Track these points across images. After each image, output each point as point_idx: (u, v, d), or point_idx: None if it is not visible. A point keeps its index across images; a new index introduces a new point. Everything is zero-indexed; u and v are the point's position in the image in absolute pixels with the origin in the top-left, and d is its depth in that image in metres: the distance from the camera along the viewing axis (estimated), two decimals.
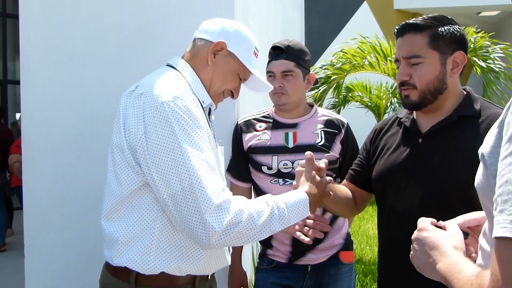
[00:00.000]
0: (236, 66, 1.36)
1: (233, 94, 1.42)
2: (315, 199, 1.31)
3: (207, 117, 1.34)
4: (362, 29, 5.51)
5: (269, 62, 1.77)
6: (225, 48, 1.33)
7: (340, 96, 5.22)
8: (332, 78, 4.39)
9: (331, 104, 5.58)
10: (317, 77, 4.41)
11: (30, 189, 2.23)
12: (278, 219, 1.19)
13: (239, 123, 1.84)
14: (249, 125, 1.81)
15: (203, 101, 1.32)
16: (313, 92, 4.32)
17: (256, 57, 1.42)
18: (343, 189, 1.53)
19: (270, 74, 1.74)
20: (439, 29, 1.28)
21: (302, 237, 1.45)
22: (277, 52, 1.73)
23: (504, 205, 0.58)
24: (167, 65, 1.37)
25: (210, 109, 1.38)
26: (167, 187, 1.15)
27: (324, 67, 4.50)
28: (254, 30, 2.80)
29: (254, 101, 2.57)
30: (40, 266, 2.26)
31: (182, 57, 1.37)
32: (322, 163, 1.37)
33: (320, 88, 4.33)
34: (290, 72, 1.71)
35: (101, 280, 1.33)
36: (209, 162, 1.17)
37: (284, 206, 1.22)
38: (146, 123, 1.18)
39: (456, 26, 1.31)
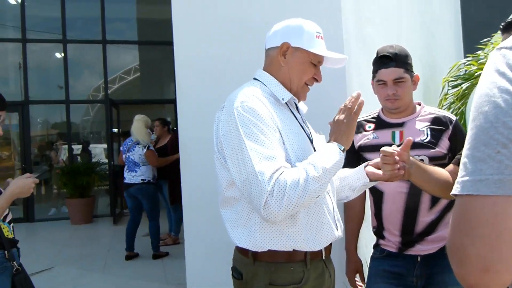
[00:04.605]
0: (306, 56, 1.49)
1: (316, 79, 1.55)
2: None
3: (292, 110, 1.54)
4: None
5: (377, 70, 1.87)
6: (289, 46, 1.48)
7: None
8: (476, 74, 4.12)
9: None
10: (459, 74, 4.20)
11: (187, 183, 2.71)
12: (313, 169, 1.30)
13: None
14: (359, 126, 1.96)
15: (282, 98, 1.49)
16: (455, 90, 4.13)
17: (321, 38, 1.53)
18: (438, 170, 1.64)
19: (381, 82, 1.85)
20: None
21: None
22: (385, 61, 1.83)
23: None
24: (254, 78, 1.58)
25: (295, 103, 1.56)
26: (238, 176, 1.35)
27: (467, 63, 4.25)
28: (371, 34, 2.93)
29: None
30: (197, 249, 2.73)
31: (263, 68, 1.58)
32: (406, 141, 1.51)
33: (462, 85, 4.10)
34: (401, 79, 1.81)
35: (233, 257, 1.59)
36: (267, 153, 1.31)
37: (312, 157, 1.35)
38: (223, 127, 1.41)
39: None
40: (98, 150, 10.06)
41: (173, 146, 5.86)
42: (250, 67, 2.50)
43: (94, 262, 5.28)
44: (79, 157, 9.00)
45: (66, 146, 8.85)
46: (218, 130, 1.45)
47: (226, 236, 2.59)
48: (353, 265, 2.04)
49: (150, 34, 9.61)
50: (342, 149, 1.37)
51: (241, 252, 1.50)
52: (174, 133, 6.34)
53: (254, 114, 1.35)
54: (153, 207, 5.34)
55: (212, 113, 2.56)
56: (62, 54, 8.60)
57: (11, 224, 1.88)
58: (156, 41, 9.20)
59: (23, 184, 1.83)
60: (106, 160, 8.67)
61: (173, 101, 8.77)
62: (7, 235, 1.81)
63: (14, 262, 1.80)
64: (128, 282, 4.52)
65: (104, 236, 6.89)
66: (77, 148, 9.35)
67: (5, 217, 1.83)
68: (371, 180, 1.61)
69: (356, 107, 1.40)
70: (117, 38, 9.05)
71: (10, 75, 8.87)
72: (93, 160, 8.84)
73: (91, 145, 9.84)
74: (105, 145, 10.08)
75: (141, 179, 5.23)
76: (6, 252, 1.77)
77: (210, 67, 2.65)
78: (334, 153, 1.35)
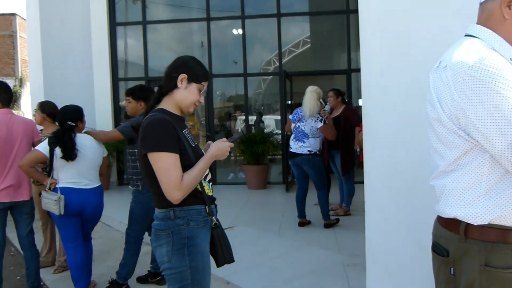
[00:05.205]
0: None
1: None
2: None
3: None
4: None
5: None
6: None
7: None
8: None
9: None
10: None
11: (371, 157, 2.64)
12: None
13: None
14: None
15: (510, 58, 1.30)
16: None
17: None
18: None
19: None
20: None
21: None
22: None
23: None
24: (465, 35, 1.40)
25: None
26: (499, 140, 1.21)
27: None
28: None
29: None
30: (379, 223, 2.66)
31: (477, 23, 1.38)
32: None
33: None
34: None
35: (434, 232, 1.48)
36: None
37: None
38: (460, 90, 1.25)
39: None
40: (270, 121, 10.57)
41: (346, 117, 5.79)
42: (444, 26, 2.28)
43: (269, 225, 5.61)
44: (252, 128, 9.58)
45: (243, 117, 9.50)
46: (439, 94, 1.33)
47: (409, 211, 2.48)
48: None
49: (322, 4, 9.56)
50: None
51: (449, 226, 1.38)
52: (348, 104, 6.25)
53: (504, 72, 1.21)
54: (320, 178, 5.38)
55: (399, 78, 2.44)
56: (240, 31, 9.15)
57: (210, 183, 2.06)
58: (329, 10, 9.13)
59: (222, 147, 1.98)
60: (279, 131, 9.06)
61: (345, 72, 8.78)
62: (208, 193, 1.99)
63: (213, 217, 1.98)
64: (302, 248, 4.68)
65: (277, 202, 7.27)
66: (251, 119, 9.95)
67: (206, 176, 2.01)
68: None
69: None
70: (290, 11, 9.22)
71: (195, 52, 9.80)
72: (265, 130, 9.31)
73: (263, 116, 10.38)
74: (276, 116, 10.54)
75: (308, 150, 5.29)
76: (206, 207, 1.95)
77: (398, 27, 2.47)
78: None
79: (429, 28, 2.35)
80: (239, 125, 9.93)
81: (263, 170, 8.36)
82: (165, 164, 1.78)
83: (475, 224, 1.29)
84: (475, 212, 1.29)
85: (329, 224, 5.41)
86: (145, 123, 1.84)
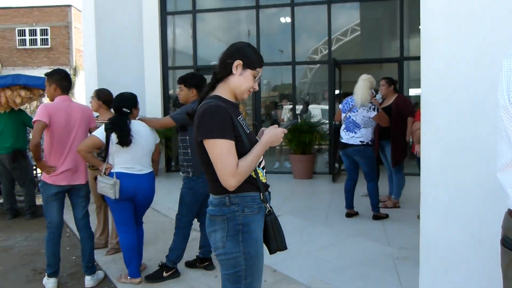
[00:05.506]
0: None
1: None
2: None
3: None
4: None
5: None
6: None
7: None
8: None
9: None
10: None
11: (429, 149, 2.54)
12: None
13: None
14: None
15: None
16: None
17: None
18: None
19: None
20: None
21: None
22: None
23: None
24: None
25: None
26: None
27: None
28: None
29: None
30: (436, 216, 2.57)
31: None
32: None
33: None
34: None
35: (504, 225, 1.42)
36: None
37: None
38: None
39: None
40: (317, 111, 10.45)
41: (398, 107, 5.63)
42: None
43: (316, 215, 5.57)
44: (298, 117, 9.50)
45: (290, 106, 9.43)
46: (510, 81, 1.27)
47: (467, 205, 2.38)
48: None
49: None
50: None
51: None
52: (400, 93, 6.07)
53: None
54: (371, 168, 5.27)
55: (464, 67, 2.32)
56: (289, 19, 9.05)
57: (264, 170, 2.05)
58: None
59: (276, 133, 1.96)
60: (326, 121, 8.95)
61: (397, 60, 8.51)
62: (262, 179, 1.98)
63: (267, 204, 1.98)
64: (349, 238, 4.62)
65: (323, 192, 7.20)
66: (298, 108, 9.88)
67: (260, 163, 2.00)
68: None
69: None
70: None
71: (244, 40, 9.80)
72: (312, 120, 9.23)
73: (309, 106, 10.27)
74: (323, 106, 10.40)
75: (360, 141, 5.18)
76: (261, 194, 1.95)
77: (463, 10, 2.34)
78: None
79: (498, 10, 2.22)
80: (284, 114, 9.88)
81: (310, 160, 8.29)
82: (221, 151, 1.78)
83: None
84: None
85: (378, 216, 5.30)
86: (201, 110, 1.85)
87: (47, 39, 25.01)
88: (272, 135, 1.96)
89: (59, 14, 24.95)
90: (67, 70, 20.92)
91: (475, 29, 2.30)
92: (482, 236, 2.34)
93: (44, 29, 25.00)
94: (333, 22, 8.89)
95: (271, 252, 2.00)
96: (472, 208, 2.39)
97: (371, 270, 3.74)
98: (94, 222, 4.09)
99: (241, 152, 1.85)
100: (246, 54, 1.97)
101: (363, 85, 5.15)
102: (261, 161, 2.02)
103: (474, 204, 2.37)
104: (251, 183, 1.92)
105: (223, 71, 1.98)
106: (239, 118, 1.93)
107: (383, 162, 6.03)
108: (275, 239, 1.97)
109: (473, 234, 2.39)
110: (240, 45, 2.01)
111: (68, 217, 3.75)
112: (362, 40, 10.71)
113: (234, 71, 1.96)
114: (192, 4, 9.45)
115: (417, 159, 5.15)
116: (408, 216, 5.33)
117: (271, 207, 2.00)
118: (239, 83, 1.96)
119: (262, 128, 2.06)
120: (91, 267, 3.71)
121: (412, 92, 10.09)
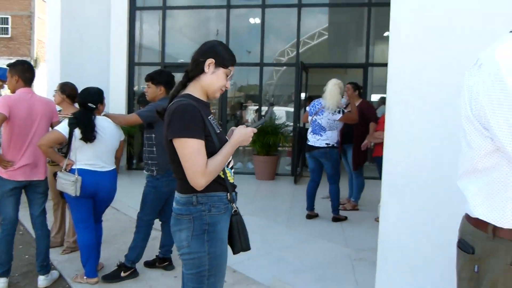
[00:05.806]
0: None
1: None
2: None
3: None
4: None
5: None
6: None
7: None
8: None
9: None
10: None
11: (391, 153, 2.62)
12: None
13: None
14: None
15: None
16: None
17: None
18: None
19: None
20: None
21: None
22: None
23: None
24: (510, 31, 1.34)
25: None
26: None
27: None
28: None
29: None
30: (394, 220, 2.65)
31: None
32: None
33: None
34: None
35: (461, 229, 1.46)
36: None
37: None
38: (485, 89, 1.23)
39: None
40: (281, 113, 10.54)
41: (362, 111, 5.76)
42: (489, 18, 2.23)
43: (278, 216, 5.63)
44: (263, 117, 9.52)
45: (255, 107, 9.46)
46: (471, 92, 1.31)
47: (426, 210, 2.47)
48: None
49: None
50: None
51: (477, 225, 1.36)
52: (364, 99, 6.22)
53: None
54: (335, 171, 5.38)
55: (429, 75, 2.41)
56: (259, 20, 9.09)
57: (232, 170, 2.06)
58: (352, 3, 9.07)
59: (245, 132, 1.97)
60: (290, 123, 9.03)
61: (362, 66, 8.70)
62: (230, 180, 1.99)
63: (234, 204, 1.98)
64: (309, 239, 4.70)
65: (285, 193, 7.27)
66: (263, 109, 9.93)
67: (228, 163, 2.01)
68: None
69: None
70: (312, 1, 9.14)
71: (213, 39, 9.77)
72: (277, 122, 9.29)
73: (274, 107, 10.34)
74: (287, 108, 10.50)
75: (326, 143, 5.29)
76: (228, 194, 1.95)
77: (433, 21, 2.43)
78: None
79: (467, 24, 2.32)
80: (249, 115, 9.91)
81: (273, 161, 8.36)
82: (190, 150, 1.78)
83: (505, 227, 1.28)
84: (503, 216, 1.28)
85: (338, 218, 5.42)
86: (171, 109, 1.84)
87: (7, 28, 23.98)
88: (241, 134, 1.96)
89: (21, 3, 23.95)
90: (28, 61, 20.16)
91: (441, 39, 2.39)
92: (439, 241, 2.43)
93: (4, 18, 23.96)
94: (302, 25, 9.00)
95: (234, 252, 2.01)
96: (431, 213, 2.48)
97: (329, 271, 3.81)
98: (50, 219, 3.96)
99: (211, 151, 1.85)
100: (218, 52, 1.97)
101: (334, 89, 5.26)
102: (230, 161, 2.03)
103: (432, 208, 2.47)
104: (219, 183, 1.92)
105: (195, 70, 1.97)
106: (210, 117, 1.93)
107: (344, 165, 6.16)
108: (239, 240, 1.98)
109: (430, 239, 2.49)
110: (213, 44, 2.01)
111: (22, 214, 3.60)
112: (329, 44, 10.89)
113: (206, 69, 1.95)
114: (163, 1, 9.33)
115: (377, 164, 5.30)
116: (366, 219, 5.49)
117: (237, 208, 2.01)
118: (211, 81, 1.96)
119: (232, 128, 2.07)
120: (45, 266, 3.58)
121: (375, 98, 10.35)
